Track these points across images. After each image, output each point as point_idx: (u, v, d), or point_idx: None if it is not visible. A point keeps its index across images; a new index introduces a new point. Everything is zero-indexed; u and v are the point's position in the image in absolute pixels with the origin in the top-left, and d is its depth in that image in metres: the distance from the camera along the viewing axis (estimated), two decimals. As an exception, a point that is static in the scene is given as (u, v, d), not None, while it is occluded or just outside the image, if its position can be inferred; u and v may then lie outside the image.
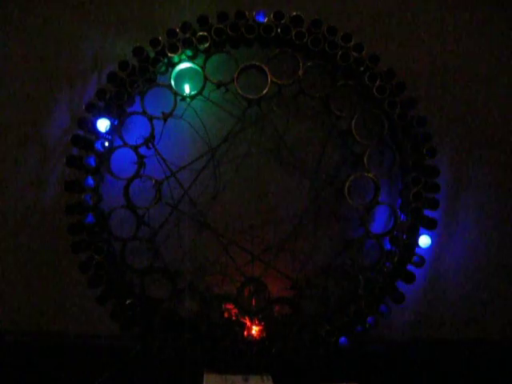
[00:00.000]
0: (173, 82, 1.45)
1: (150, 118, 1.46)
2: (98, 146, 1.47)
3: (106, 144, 1.49)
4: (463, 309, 1.62)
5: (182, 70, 1.49)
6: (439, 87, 1.58)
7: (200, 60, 1.46)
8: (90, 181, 1.47)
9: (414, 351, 1.61)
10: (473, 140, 1.60)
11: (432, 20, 1.58)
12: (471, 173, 1.60)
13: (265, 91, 1.43)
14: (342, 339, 1.51)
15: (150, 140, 1.47)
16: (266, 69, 1.44)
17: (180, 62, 1.47)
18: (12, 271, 1.58)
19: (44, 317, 1.59)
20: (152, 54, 1.44)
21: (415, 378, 1.53)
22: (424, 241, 1.51)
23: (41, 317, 1.59)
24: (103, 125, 1.46)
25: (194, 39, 1.42)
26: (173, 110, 1.45)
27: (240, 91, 1.43)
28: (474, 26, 1.59)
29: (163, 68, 1.47)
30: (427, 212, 1.49)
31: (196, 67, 1.46)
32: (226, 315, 1.51)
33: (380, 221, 1.55)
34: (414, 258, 1.49)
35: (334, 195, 1.54)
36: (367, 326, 1.50)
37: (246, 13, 1.42)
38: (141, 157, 1.46)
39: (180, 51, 1.43)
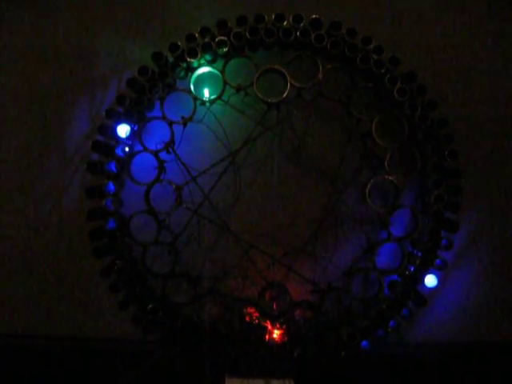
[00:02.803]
0: (192, 87, 1.46)
1: (170, 123, 1.46)
2: (118, 151, 1.47)
3: (127, 149, 1.49)
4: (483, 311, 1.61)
5: (201, 75, 1.49)
6: (460, 88, 1.57)
7: (219, 64, 1.46)
8: (111, 186, 1.48)
9: (436, 355, 1.60)
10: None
11: (452, 21, 1.57)
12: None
13: (284, 95, 1.43)
14: (364, 343, 1.50)
15: (170, 145, 1.47)
16: (286, 72, 1.44)
17: (199, 66, 1.47)
18: (34, 276, 1.58)
19: (66, 321, 1.59)
20: (171, 59, 1.44)
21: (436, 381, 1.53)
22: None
23: (62, 321, 1.59)
24: (123, 130, 1.46)
25: (212, 44, 1.42)
26: (193, 115, 1.46)
27: (259, 95, 1.43)
28: (495, 26, 1.58)
29: (182, 73, 1.47)
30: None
31: (215, 71, 1.46)
32: (247, 319, 1.51)
33: (402, 224, 1.54)
34: (437, 262, 1.48)
35: (355, 198, 1.53)
36: (389, 329, 1.50)
37: (265, 16, 1.42)
38: (161, 162, 1.46)
39: (199, 56, 1.43)
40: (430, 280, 1.50)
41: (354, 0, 1.56)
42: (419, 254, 1.49)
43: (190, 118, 1.46)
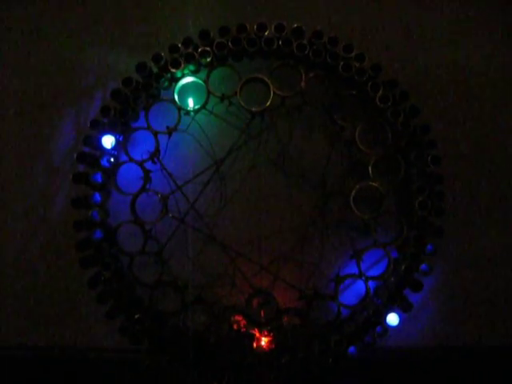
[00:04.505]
0: (176, 97, 1.47)
1: (155, 133, 1.47)
2: (103, 162, 1.48)
3: (112, 160, 1.50)
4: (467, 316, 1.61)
5: (185, 85, 1.50)
6: (441, 96, 1.58)
7: (203, 74, 1.47)
8: (97, 197, 1.49)
9: (424, 359, 1.60)
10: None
11: (434, 28, 1.59)
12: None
13: (268, 103, 1.44)
14: (351, 349, 1.50)
15: (155, 155, 1.48)
16: (269, 81, 1.45)
17: (183, 76, 1.48)
18: (21, 287, 1.59)
19: (53, 332, 1.59)
20: (155, 70, 1.45)
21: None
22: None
23: (50, 332, 1.59)
24: (108, 141, 1.47)
25: (196, 54, 1.43)
26: (177, 125, 1.47)
27: (243, 104, 1.44)
28: (476, 32, 1.59)
29: (166, 83, 1.48)
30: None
31: (199, 81, 1.47)
32: (234, 327, 1.52)
33: (387, 230, 1.54)
34: (422, 267, 1.49)
35: (340, 205, 1.54)
36: (376, 335, 1.50)
37: (248, 26, 1.43)
38: (146, 172, 1.47)
39: (182, 66, 1.44)
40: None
41: (336, 8, 1.58)
42: (405, 259, 1.50)
43: (175, 128, 1.47)
